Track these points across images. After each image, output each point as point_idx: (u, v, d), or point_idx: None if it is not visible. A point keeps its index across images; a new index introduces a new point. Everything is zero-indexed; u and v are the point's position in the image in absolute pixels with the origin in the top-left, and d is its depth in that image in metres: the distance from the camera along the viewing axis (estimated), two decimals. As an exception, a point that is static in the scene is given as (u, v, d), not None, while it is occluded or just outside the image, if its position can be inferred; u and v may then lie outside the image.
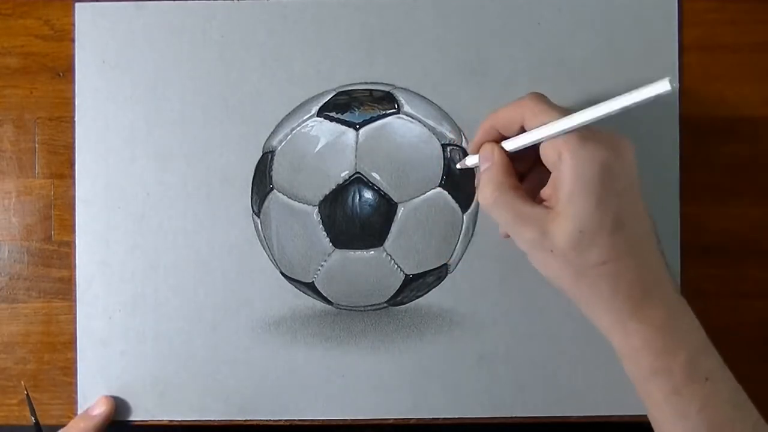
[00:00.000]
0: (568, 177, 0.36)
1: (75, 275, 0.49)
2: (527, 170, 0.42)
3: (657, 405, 0.38)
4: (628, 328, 0.38)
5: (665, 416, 0.38)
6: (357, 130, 0.48)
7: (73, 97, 0.49)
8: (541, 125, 0.38)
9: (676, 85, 0.33)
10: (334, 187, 0.48)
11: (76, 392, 0.49)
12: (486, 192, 0.39)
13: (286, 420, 0.49)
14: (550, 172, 0.39)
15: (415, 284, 0.49)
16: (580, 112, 0.37)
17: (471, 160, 0.44)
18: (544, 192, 0.40)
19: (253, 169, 0.49)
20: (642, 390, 0.39)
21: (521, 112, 0.39)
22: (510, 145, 0.40)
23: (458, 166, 0.46)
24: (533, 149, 0.39)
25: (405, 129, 0.49)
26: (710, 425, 0.37)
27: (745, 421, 0.39)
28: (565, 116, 0.37)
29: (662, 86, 0.33)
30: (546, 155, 0.38)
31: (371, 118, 0.49)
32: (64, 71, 0.50)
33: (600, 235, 0.36)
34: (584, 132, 0.37)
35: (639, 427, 0.49)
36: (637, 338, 0.38)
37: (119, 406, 0.49)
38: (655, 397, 0.38)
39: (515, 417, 0.49)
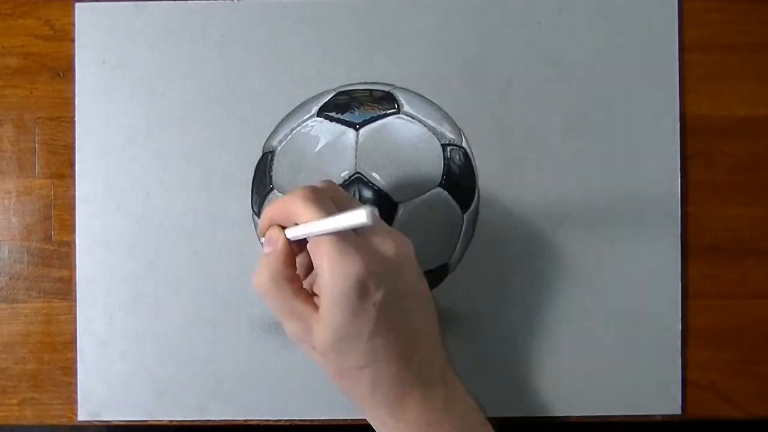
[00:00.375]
0: (325, 287, 0.36)
1: (75, 275, 0.49)
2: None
3: None
4: (388, 425, 0.39)
5: None
6: (357, 130, 0.48)
7: (73, 97, 0.49)
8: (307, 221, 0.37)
9: (372, 218, 0.32)
10: (334, 187, 0.48)
11: (76, 392, 0.49)
12: (261, 278, 0.38)
13: (286, 420, 0.49)
14: None
15: (415, 284, 0.49)
16: (313, 224, 0.35)
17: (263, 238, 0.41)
18: (316, 287, 0.39)
19: (253, 169, 0.49)
20: None
21: (291, 205, 0.37)
22: (289, 233, 0.39)
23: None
24: None
25: (405, 129, 0.48)
26: None
27: None
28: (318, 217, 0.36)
29: (359, 217, 0.32)
30: (313, 259, 0.37)
31: (371, 118, 0.49)
32: (64, 71, 0.50)
33: (358, 341, 0.36)
34: (346, 238, 0.36)
35: (639, 427, 0.49)
36: None
37: (120, 405, 0.49)
38: None
39: (515, 417, 0.49)
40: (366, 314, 0.36)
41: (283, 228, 0.39)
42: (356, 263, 0.35)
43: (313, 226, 0.36)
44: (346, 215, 0.33)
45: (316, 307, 0.38)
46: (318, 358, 0.38)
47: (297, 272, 0.39)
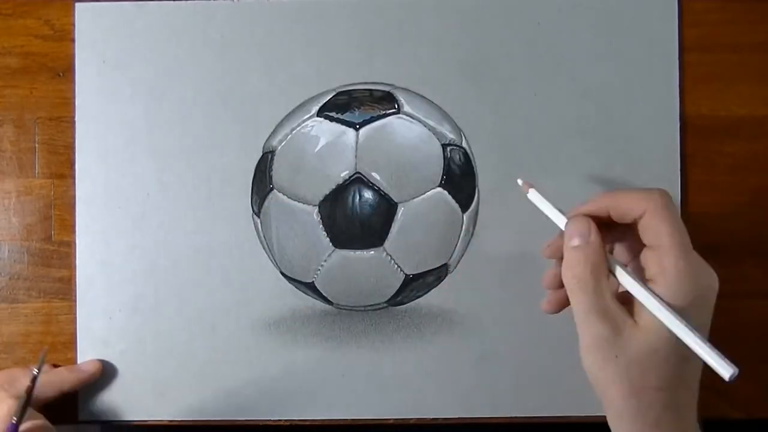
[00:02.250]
0: (666, 293, 0.35)
1: (75, 275, 0.49)
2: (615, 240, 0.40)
3: None
4: None
5: None
6: (357, 130, 0.48)
7: (73, 97, 0.49)
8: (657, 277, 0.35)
9: (734, 378, 0.34)
10: (334, 187, 0.48)
11: (76, 392, 0.49)
12: (578, 270, 0.36)
13: (286, 420, 0.49)
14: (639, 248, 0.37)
15: (415, 284, 0.49)
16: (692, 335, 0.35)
17: (557, 220, 0.40)
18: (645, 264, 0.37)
19: (253, 169, 0.49)
20: None
21: (647, 205, 0.36)
22: (619, 275, 0.37)
23: (529, 194, 0.42)
24: (633, 228, 0.37)
25: (405, 129, 0.48)
26: None
27: None
28: (681, 236, 0.35)
29: (725, 370, 0.34)
30: (645, 262, 0.36)
31: (371, 118, 0.49)
32: (64, 71, 0.50)
33: (668, 362, 0.35)
34: (695, 255, 0.35)
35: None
36: None
37: (120, 406, 0.49)
38: None
39: (515, 417, 0.49)
40: (698, 331, 0.35)
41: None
42: (710, 278, 0.35)
43: (668, 319, 0.34)
44: (716, 357, 0.34)
45: (630, 312, 0.36)
46: (612, 369, 0.35)
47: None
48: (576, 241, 0.37)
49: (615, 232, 0.39)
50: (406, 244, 0.48)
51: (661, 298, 0.35)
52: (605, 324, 0.35)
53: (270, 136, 0.49)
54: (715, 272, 0.36)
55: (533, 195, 0.41)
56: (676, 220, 0.35)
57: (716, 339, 0.49)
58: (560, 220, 0.39)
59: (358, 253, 0.48)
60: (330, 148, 0.48)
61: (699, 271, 0.35)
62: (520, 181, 0.42)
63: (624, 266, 0.37)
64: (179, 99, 0.49)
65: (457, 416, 0.49)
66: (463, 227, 0.49)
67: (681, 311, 0.34)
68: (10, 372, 0.46)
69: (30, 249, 0.50)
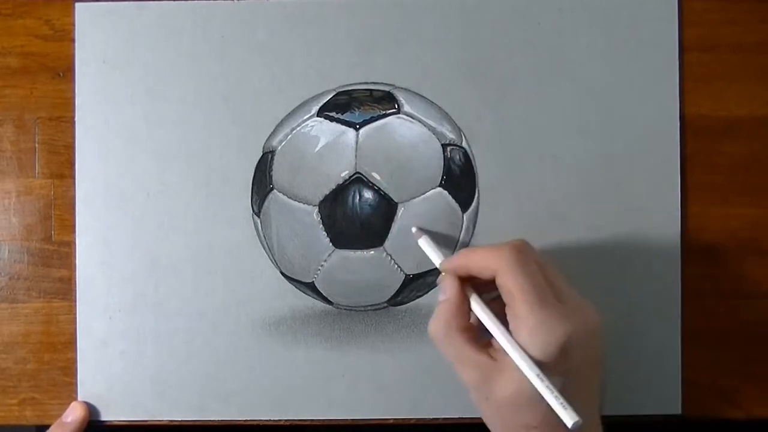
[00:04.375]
0: (522, 345, 0.37)
1: (75, 275, 0.49)
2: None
3: None
4: None
5: None
6: (357, 130, 0.48)
7: (73, 97, 0.49)
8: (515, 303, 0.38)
9: (577, 428, 0.36)
10: (334, 187, 0.48)
11: (76, 392, 0.49)
12: (434, 326, 0.40)
13: (286, 420, 0.49)
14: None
15: (415, 284, 0.49)
16: (542, 383, 0.36)
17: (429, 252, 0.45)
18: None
19: (253, 169, 0.49)
20: None
21: (496, 263, 0.38)
22: (475, 309, 0.40)
23: (420, 242, 0.46)
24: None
25: (405, 129, 0.49)
26: None
27: None
28: (528, 291, 0.37)
29: (567, 419, 0.35)
30: (508, 317, 0.38)
31: (371, 118, 0.49)
32: (64, 71, 0.50)
33: (538, 401, 0.36)
34: (550, 305, 0.37)
35: (639, 427, 0.49)
36: None
37: (120, 405, 0.49)
38: None
39: (515, 417, 0.49)
40: (556, 377, 0.36)
41: (464, 279, 0.40)
42: (560, 330, 0.36)
43: (517, 356, 0.37)
44: (559, 407, 0.35)
45: (492, 358, 0.38)
46: (487, 410, 0.38)
47: (471, 322, 0.40)
48: (441, 297, 0.41)
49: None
50: (407, 244, 0.48)
51: (517, 345, 0.37)
52: (471, 371, 0.38)
53: (270, 136, 0.49)
54: (590, 311, 0.38)
55: (423, 242, 0.46)
56: (525, 274, 0.37)
57: (716, 339, 0.49)
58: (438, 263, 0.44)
59: (358, 253, 0.48)
60: (330, 148, 0.48)
61: (554, 322, 0.36)
62: (414, 229, 0.47)
63: (481, 305, 0.40)
64: (179, 99, 0.49)
65: (457, 416, 0.49)
66: (463, 227, 0.49)
67: (542, 362, 0.36)
68: None
69: (30, 249, 0.50)
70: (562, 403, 0.36)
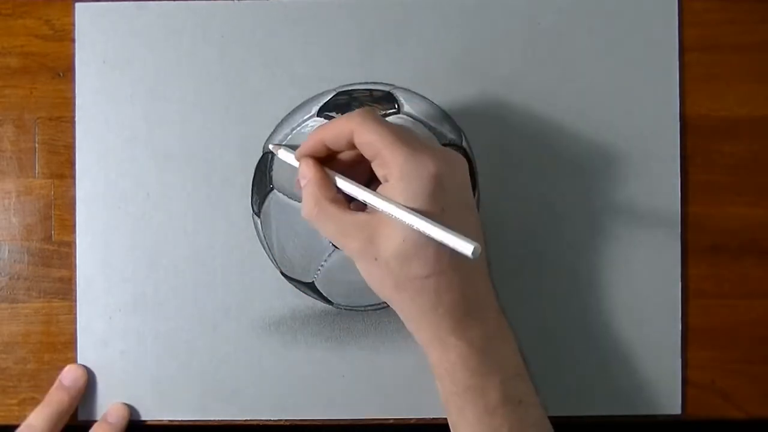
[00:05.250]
0: (395, 189, 0.36)
1: (75, 275, 0.49)
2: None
3: (468, 425, 0.39)
4: (447, 343, 0.38)
5: None
6: (357, 130, 0.48)
7: (73, 97, 0.49)
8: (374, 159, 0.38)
9: (478, 254, 0.34)
10: (334, 187, 0.48)
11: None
12: (306, 207, 0.40)
13: (286, 420, 0.49)
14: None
15: (415, 284, 0.49)
16: (395, 206, 0.36)
17: (290, 160, 0.44)
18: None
19: (253, 169, 0.49)
20: (454, 408, 0.39)
21: (350, 125, 0.39)
22: (341, 184, 0.40)
23: (279, 154, 0.46)
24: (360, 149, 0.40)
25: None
26: None
27: None
28: (390, 135, 0.37)
29: (465, 248, 0.34)
30: (377, 172, 0.38)
31: (371, 118, 0.48)
32: (64, 71, 0.50)
33: (425, 248, 0.36)
34: (415, 145, 0.37)
35: (639, 427, 0.49)
36: (454, 354, 0.38)
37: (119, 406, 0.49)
38: (467, 417, 0.38)
39: (515, 417, 0.49)
40: (437, 217, 0.36)
41: (319, 159, 0.41)
42: (431, 162, 0.36)
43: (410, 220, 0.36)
44: (456, 239, 0.34)
45: (372, 214, 0.38)
46: (377, 270, 0.38)
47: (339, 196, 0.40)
48: (302, 182, 0.41)
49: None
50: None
51: (385, 197, 0.37)
52: (352, 237, 0.38)
53: (270, 136, 0.49)
54: (455, 154, 0.39)
55: (282, 154, 0.45)
56: (383, 124, 0.38)
57: (716, 339, 0.49)
58: (292, 160, 0.44)
59: (358, 253, 0.48)
60: (330, 148, 0.48)
61: (423, 158, 0.37)
62: (270, 146, 0.47)
63: (343, 178, 0.40)
64: (179, 99, 0.49)
65: (457, 416, 0.49)
66: (463, 227, 0.49)
67: (418, 204, 0.36)
68: None
69: (30, 249, 0.50)
70: (454, 235, 0.34)
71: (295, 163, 0.44)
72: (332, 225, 0.39)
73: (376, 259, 0.37)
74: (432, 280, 0.37)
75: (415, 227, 0.36)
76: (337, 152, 0.42)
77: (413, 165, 0.36)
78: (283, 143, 0.47)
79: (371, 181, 0.42)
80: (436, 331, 0.38)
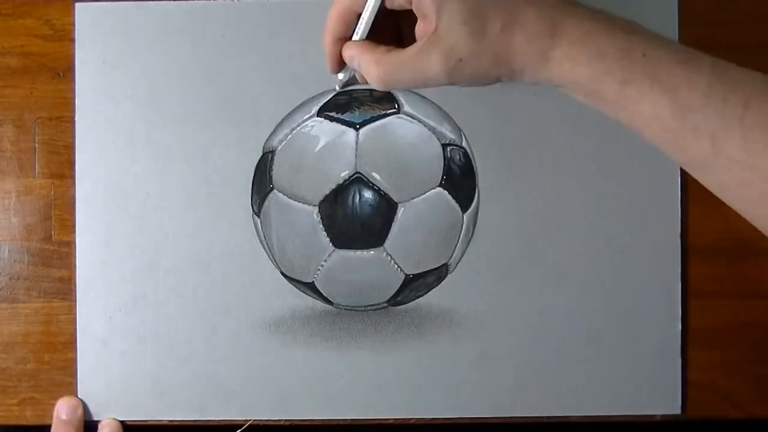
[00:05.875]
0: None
1: (75, 275, 0.49)
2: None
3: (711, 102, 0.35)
4: (549, 55, 0.36)
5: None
6: (357, 130, 0.48)
7: (73, 97, 0.49)
8: None
9: None
10: (334, 187, 0.48)
11: (76, 392, 0.49)
12: (377, 75, 0.37)
13: (286, 420, 0.49)
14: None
15: (415, 284, 0.49)
16: None
17: (342, 75, 0.41)
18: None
19: (253, 169, 0.49)
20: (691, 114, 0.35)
21: None
22: (361, 29, 0.38)
23: (337, 87, 0.42)
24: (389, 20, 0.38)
25: (405, 129, 0.48)
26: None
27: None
28: None
29: None
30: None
31: (371, 118, 0.49)
32: (64, 71, 0.50)
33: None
34: None
35: (639, 427, 0.49)
36: (640, 63, 0.36)
37: (119, 405, 0.49)
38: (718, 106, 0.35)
39: (515, 417, 0.49)
40: None
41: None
42: None
43: None
44: None
45: (423, 36, 0.36)
46: (470, 58, 0.36)
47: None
48: (353, 63, 0.38)
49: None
50: (407, 244, 0.48)
51: None
52: (429, 63, 0.36)
53: (270, 136, 0.49)
54: None
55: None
56: None
57: (716, 339, 0.49)
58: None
59: (358, 253, 0.48)
60: (330, 148, 0.48)
61: None
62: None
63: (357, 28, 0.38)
64: (179, 99, 0.49)
65: (457, 416, 0.49)
66: (463, 227, 0.49)
67: None
68: None
69: (30, 249, 0.50)
70: None
71: (338, 72, 0.41)
72: (407, 69, 0.36)
73: (461, 60, 0.36)
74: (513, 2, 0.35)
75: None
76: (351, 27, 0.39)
77: None
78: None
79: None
80: (533, 50, 0.36)
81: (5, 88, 0.50)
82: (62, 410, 0.48)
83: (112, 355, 0.49)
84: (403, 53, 0.37)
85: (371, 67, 0.37)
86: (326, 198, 0.48)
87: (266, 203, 0.49)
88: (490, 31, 0.36)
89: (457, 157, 0.48)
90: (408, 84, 0.38)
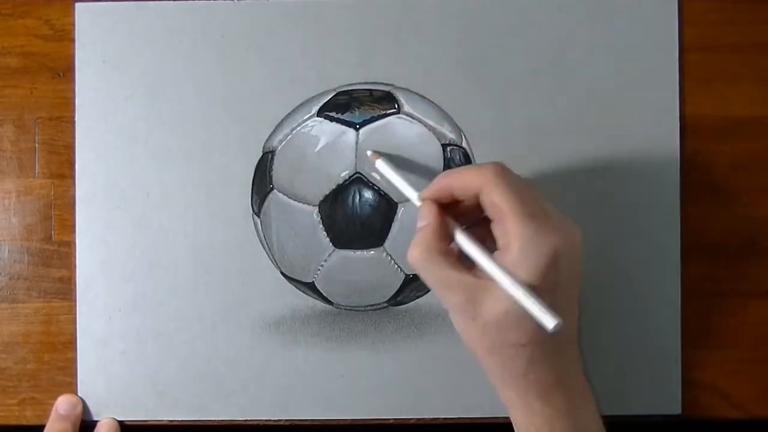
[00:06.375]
0: (514, 263, 0.36)
1: (75, 275, 0.49)
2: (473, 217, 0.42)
3: None
4: (533, 407, 0.38)
5: None
6: (357, 130, 0.48)
7: (73, 97, 0.49)
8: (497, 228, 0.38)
9: (558, 329, 0.35)
10: (334, 187, 0.48)
11: (76, 392, 0.49)
12: (414, 252, 0.39)
13: (286, 420, 0.49)
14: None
15: (415, 284, 0.49)
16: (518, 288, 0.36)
17: (406, 191, 0.43)
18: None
19: (253, 169, 0.49)
20: None
21: (480, 180, 0.38)
22: (460, 239, 0.39)
23: (377, 164, 0.44)
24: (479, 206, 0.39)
25: (405, 129, 0.49)
26: None
27: None
28: (518, 204, 0.36)
29: (546, 321, 0.35)
30: (495, 233, 0.38)
31: (371, 118, 0.49)
32: (64, 71, 0.50)
33: (525, 320, 0.36)
34: (540, 217, 0.37)
35: (639, 427, 0.49)
36: (540, 419, 0.38)
37: (119, 405, 0.49)
38: None
39: (515, 417, 0.49)
40: (545, 292, 0.36)
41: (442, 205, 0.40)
42: (552, 239, 0.36)
43: (504, 280, 0.36)
44: (536, 307, 0.35)
45: (479, 277, 0.37)
46: (474, 330, 0.38)
47: (451, 247, 0.39)
48: (420, 224, 0.40)
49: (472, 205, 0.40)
50: (407, 244, 0.48)
51: (501, 268, 0.36)
52: (455, 293, 0.37)
53: (270, 136, 0.49)
54: (573, 226, 0.38)
55: (380, 165, 0.44)
56: (512, 188, 0.37)
57: (716, 339, 0.49)
58: (410, 193, 0.43)
59: (358, 253, 0.48)
60: (330, 148, 0.48)
61: (545, 234, 0.36)
62: (369, 152, 0.46)
63: (465, 235, 0.39)
64: (179, 99, 0.49)
65: (457, 416, 0.49)
66: (463, 227, 0.49)
67: (532, 279, 0.36)
68: None
69: (30, 249, 0.50)
70: (540, 308, 0.35)
71: (394, 178, 0.43)
72: (436, 275, 0.38)
73: (474, 319, 0.37)
74: (527, 348, 0.37)
75: (521, 304, 0.35)
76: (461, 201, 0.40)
77: (535, 242, 0.36)
78: (379, 151, 0.46)
79: (486, 235, 0.40)
80: (524, 394, 0.38)
81: (5, 88, 0.50)
82: (61, 406, 0.48)
83: (111, 354, 0.49)
84: (450, 271, 0.38)
85: (418, 248, 0.39)
86: (326, 198, 0.48)
87: (266, 203, 0.49)
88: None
89: (457, 157, 0.48)
90: (423, 279, 0.40)
